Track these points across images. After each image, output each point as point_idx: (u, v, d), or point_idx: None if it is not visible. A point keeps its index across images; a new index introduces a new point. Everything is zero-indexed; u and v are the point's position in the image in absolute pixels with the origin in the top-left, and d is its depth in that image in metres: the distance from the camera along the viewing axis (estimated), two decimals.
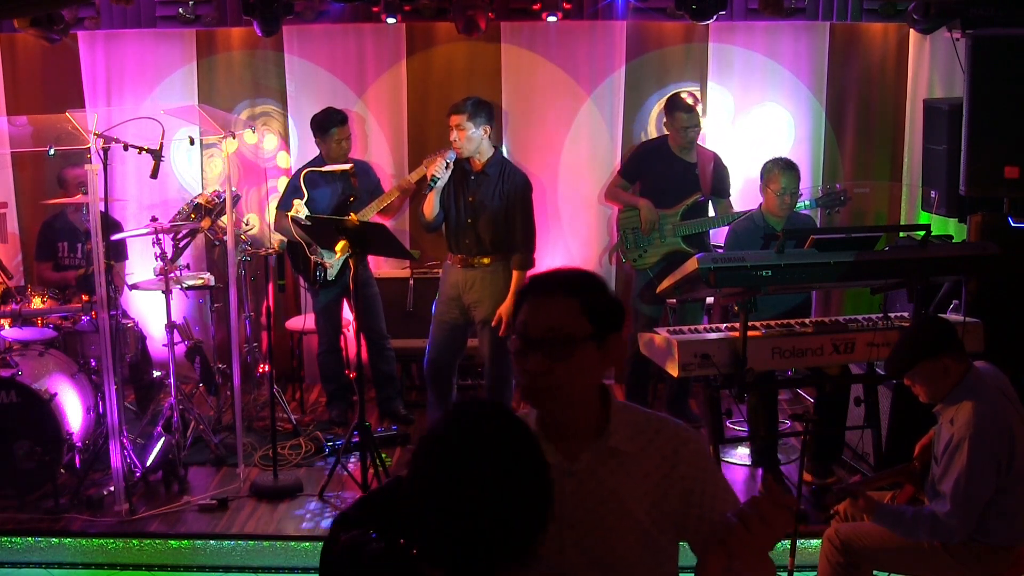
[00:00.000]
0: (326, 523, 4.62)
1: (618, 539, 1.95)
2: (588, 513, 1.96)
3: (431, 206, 5.06)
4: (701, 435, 2.06)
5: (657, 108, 6.27)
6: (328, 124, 5.60)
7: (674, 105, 5.50)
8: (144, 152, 4.74)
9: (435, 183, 4.99)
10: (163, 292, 5.13)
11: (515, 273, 5.05)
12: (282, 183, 6.32)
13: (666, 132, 5.64)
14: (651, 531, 1.96)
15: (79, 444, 4.91)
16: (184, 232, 5.30)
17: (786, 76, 6.31)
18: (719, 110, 6.36)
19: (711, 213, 5.65)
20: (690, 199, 5.52)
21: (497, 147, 5.14)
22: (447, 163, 4.98)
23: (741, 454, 5.30)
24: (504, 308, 5.02)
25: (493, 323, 5.03)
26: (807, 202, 5.41)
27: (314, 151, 5.85)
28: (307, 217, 5.26)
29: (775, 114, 6.36)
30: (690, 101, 5.45)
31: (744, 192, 5.93)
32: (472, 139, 4.96)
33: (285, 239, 5.68)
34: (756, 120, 6.37)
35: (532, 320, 1.93)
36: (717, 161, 5.63)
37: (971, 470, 3.19)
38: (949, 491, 3.24)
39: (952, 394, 3.35)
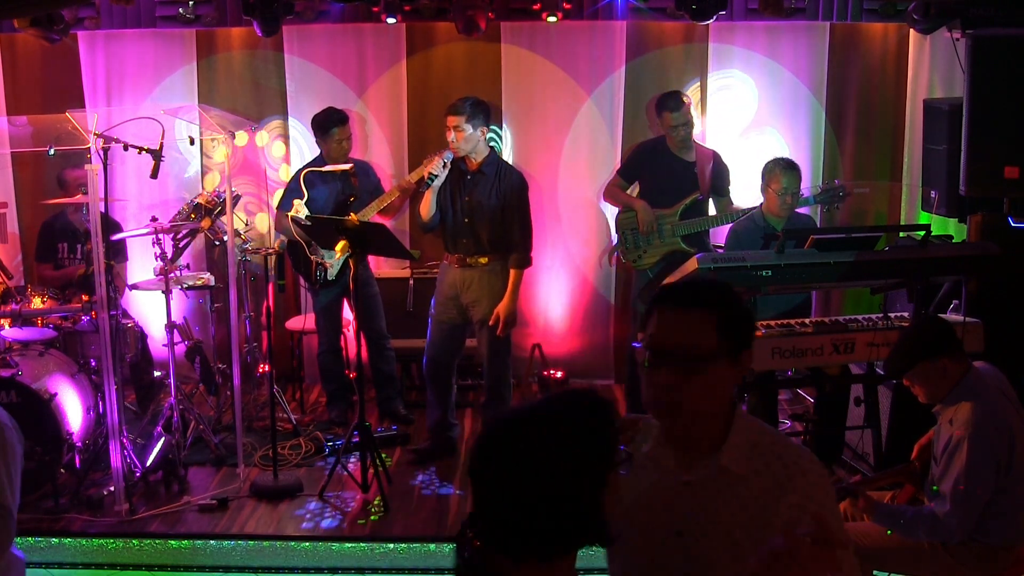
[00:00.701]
0: (326, 523, 4.63)
1: (716, 556, 1.93)
2: (695, 525, 1.95)
3: (427, 206, 5.06)
4: (823, 468, 2.03)
5: None
6: (329, 124, 5.60)
7: (662, 105, 5.51)
8: (144, 152, 4.74)
9: (432, 182, 4.99)
10: (163, 292, 5.13)
11: (512, 272, 5.04)
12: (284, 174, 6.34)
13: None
14: (751, 555, 1.86)
15: (79, 444, 4.91)
16: (184, 232, 5.30)
17: (786, 76, 6.31)
18: (726, 107, 6.36)
19: (711, 211, 5.66)
20: (688, 198, 5.52)
21: (493, 147, 5.14)
22: (444, 162, 4.98)
23: None
24: (502, 307, 5.01)
25: (491, 322, 5.03)
26: (807, 198, 5.42)
27: (314, 151, 5.85)
28: (307, 217, 5.26)
29: (771, 137, 6.37)
30: (676, 101, 5.45)
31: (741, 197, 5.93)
32: (469, 140, 4.96)
33: (285, 239, 5.68)
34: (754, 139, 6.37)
35: (665, 332, 1.90)
36: (717, 159, 5.63)
37: (970, 470, 3.19)
38: (949, 491, 3.23)
39: (951, 394, 3.35)
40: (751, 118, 6.35)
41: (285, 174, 6.41)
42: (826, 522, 1.68)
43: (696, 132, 5.84)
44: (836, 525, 1.94)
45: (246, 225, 5.91)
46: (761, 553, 1.71)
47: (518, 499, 1.64)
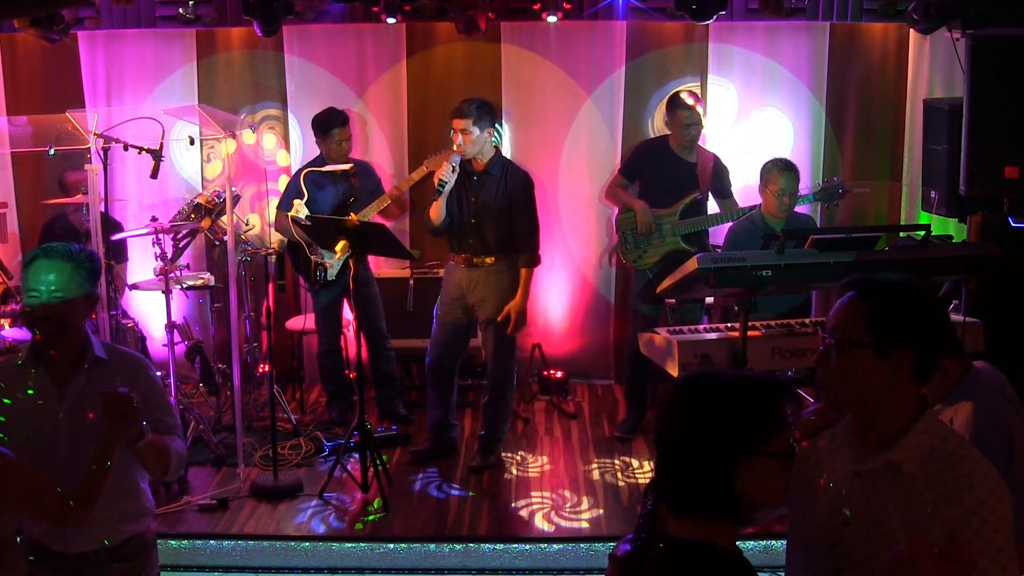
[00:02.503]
0: (326, 523, 4.63)
1: (875, 551, 1.92)
2: (861, 516, 1.98)
3: (438, 212, 5.02)
4: (1002, 491, 1.92)
5: (660, 108, 6.23)
6: (329, 125, 5.59)
7: (676, 103, 5.48)
8: (144, 152, 4.75)
9: (443, 188, 4.96)
10: (163, 292, 5.14)
11: (523, 271, 5.04)
12: (283, 183, 6.32)
13: (667, 132, 5.65)
14: None
15: None
16: (184, 232, 5.31)
17: (786, 76, 6.31)
18: (720, 110, 6.35)
19: (711, 211, 5.66)
20: (687, 198, 5.52)
21: (497, 146, 5.14)
22: (453, 167, 4.96)
23: None
24: (514, 306, 5.00)
25: (500, 318, 5.02)
26: (807, 195, 5.42)
27: (314, 151, 5.86)
28: (307, 217, 5.26)
29: (775, 119, 6.36)
30: (691, 100, 5.44)
31: (742, 197, 5.92)
32: (476, 142, 4.95)
33: (285, 239, 5.68)
34: (756, 124, 6.36)
35: (832, 313, 2.02)
36: (717, 162, 5.63)
37: None
38: None
39: (951, 394, 3.34)
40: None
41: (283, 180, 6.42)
42: (959, 541, 1.72)
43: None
44: (984, 547, 1.87)
45: (247, 224, 5.90)
46: (886, 558, 1.75)
47: (666, 452, 1.84)
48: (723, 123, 6.36)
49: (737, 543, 1.86)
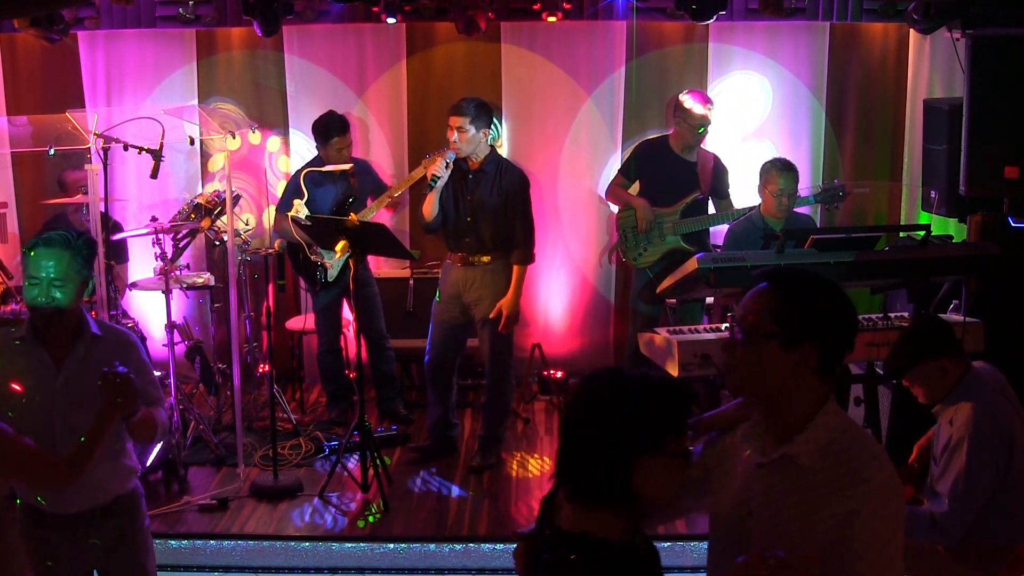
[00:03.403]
0: (326, 523, 4.63)
1: (773, 542, 1.92)
2: (762, 508, 2.00)
3: (431, 207, 5.05)
4: (895, 485, 1.97)
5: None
6: (329, 133, 5.56)
7: (691, 102, 5.44)
8: (144, 152, 4.74)
9: (435, 183, 4.98)
10: (163, 292, 5.14)
11: (515, 268, 5.05)
12: (281, 187, 6.32)
13: (668, 131, 5.65)
14: (802, 548, 1.89)
15: None
16: (184, 232, 5.30)
17: (786, 76, 6.31)
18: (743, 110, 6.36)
19: (711, 211, 5.65)
20: (689, 197, 5.52)
21: (492, 145, 5.15)
22: (447, 163, 4.97)
23: None
24: (505, 303, 5.01)
25: (492, 315, 5.03)
26: (808, 197, 5.41)
27: (314, 151, 5.85)
28: (307, 217, 5.26)
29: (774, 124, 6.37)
30: (704, 101, 5.43)
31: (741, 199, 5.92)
32: (471, 141, 4.96)
33: (285, 241, 5.67)
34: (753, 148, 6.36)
35: (742, 303, 2.03)
36: (717, 162, 5.63)
37: (970, 471, 3.19)
38: (947, 492, 3.23)
39: (951, 395, 3.35)
40: (763, 119, 6.36)
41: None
42: (811, 558, 1.79)
43: None
44: (871, 539, 1.87)
45: (244, 224, 5.90)
46: (736, 561, 1.79)
47: (569, 439, 1.91)
48: (746, 126, 6.36)
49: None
